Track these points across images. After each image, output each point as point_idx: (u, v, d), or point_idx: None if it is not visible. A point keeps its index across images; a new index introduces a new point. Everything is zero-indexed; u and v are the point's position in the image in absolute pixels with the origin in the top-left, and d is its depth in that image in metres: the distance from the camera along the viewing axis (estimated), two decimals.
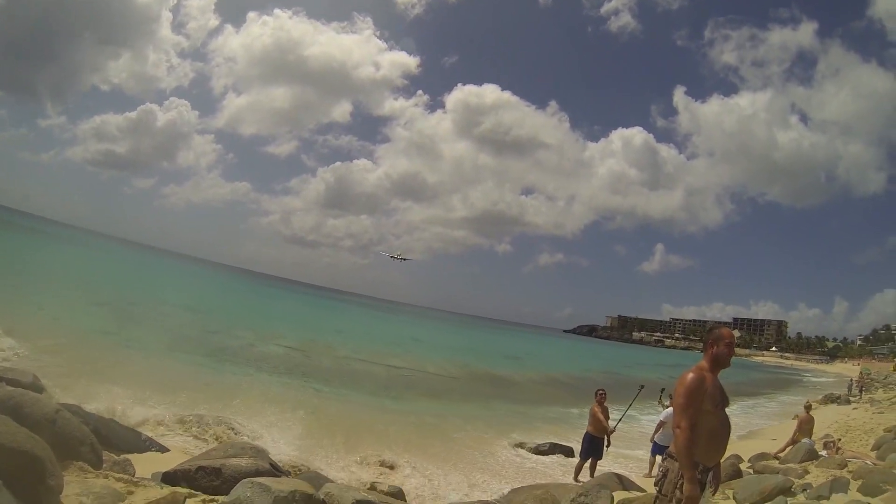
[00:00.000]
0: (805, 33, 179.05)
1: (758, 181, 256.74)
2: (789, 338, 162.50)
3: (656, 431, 10.51)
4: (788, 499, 6.90)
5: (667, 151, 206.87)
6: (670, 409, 10.10)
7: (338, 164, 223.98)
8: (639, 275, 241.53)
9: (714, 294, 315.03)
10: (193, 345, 19.38)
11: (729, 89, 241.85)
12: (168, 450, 7.91)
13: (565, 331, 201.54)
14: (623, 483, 8.79)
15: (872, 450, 11.41)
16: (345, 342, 31.73)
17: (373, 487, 7.76)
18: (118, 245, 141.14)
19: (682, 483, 3.58)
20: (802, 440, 11.44)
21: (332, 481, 6.80)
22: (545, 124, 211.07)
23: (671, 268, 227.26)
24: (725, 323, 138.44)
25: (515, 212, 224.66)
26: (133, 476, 5.53)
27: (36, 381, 7.34)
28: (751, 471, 9.63)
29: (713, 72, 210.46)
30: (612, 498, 6.61)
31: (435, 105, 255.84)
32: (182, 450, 8.09)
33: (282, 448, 9.47)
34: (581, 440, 10.29)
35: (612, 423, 10.09)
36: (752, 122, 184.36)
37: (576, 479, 9.90)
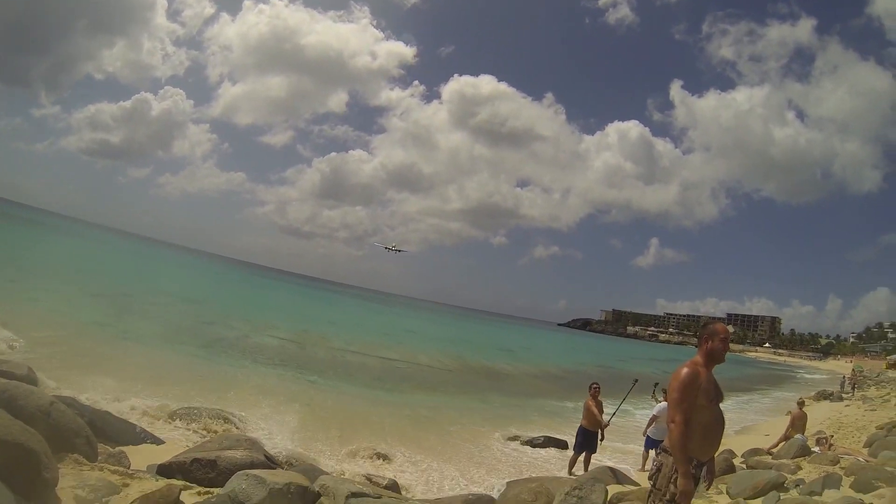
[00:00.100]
0: (803, 29, 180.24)
1: (753, 177, 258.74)
2: (783, 334, 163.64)
3: (649, 425, 10.57)
4: (781, 494, 6.95)
5: (663, 145, 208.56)
6: (663, 403, 10.14)
7: (333, 154, 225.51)
8: (633, 269, 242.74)
9: (708, 289, 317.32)
10: (188, 336, 19.34)
11: (726, 84, 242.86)
12: (163, 442, 7.89)
13: (560, 324, 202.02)
14: (617, 477, 8.84)
15: (864, 446, 11.51)
16: (339, 334, 31.75)
17: (368, 479, 7.79)
18: (113, 235, 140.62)
19: (677, 477, 3.61)
20: (795, 436, 11.53)
21: (327, 473, 6.81)
22: (541, 116, 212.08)
23: (666, 262, 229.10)
24: (719, 318, 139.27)
25: (511, 204, 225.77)
26: (128, 468, 5.52)
27: (31, 373, 7.31)
28: (744, 466, 9.69)
29: (710, 66, 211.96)
30: (607, 491, 6.63)
31: (431, 96, 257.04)
32: (177, 442, 8.07)
33: (277, 440, 9.46)
34: (575, 434, 10.34)
35: (606, 417, 10.12)
36: (748, 117, 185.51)
37: (570, 472, 9.94)
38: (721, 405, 3.85)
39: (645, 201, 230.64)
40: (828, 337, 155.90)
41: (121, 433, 7.33)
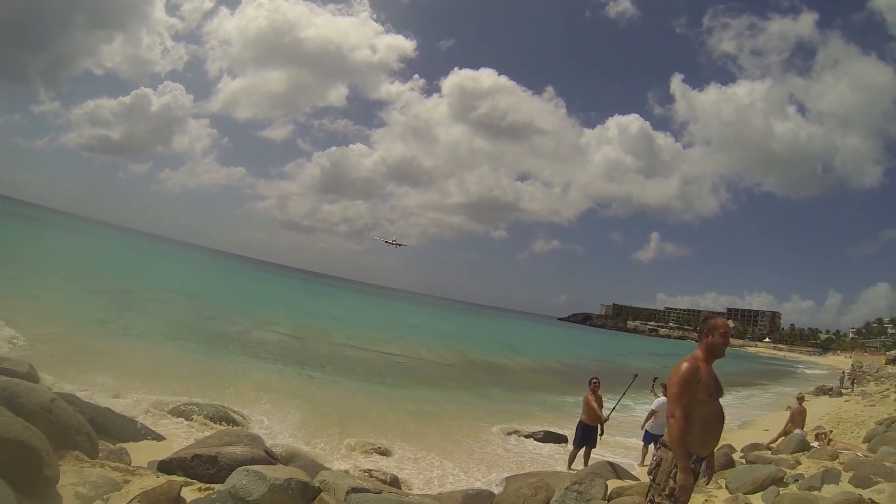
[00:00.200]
0: (805, 24, 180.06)
1: (754, 171, 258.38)
2: (783, 329, 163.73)
3: (647, 420, 10.59)
4: (780, 489, 6.97)
5: (663, 139, 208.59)
6: (662, 398, 10.15)
7: (333, 148, 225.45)
8: (633, 263, 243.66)
9: (708, 283, 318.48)
10: (189, 332, 19.36)
11: (727, 78, 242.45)
12: (164, 438, 7.91)
13: (560, 319, 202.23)
14: (617, 471, 8.86)
15: (863, 442, 11.53)
16: (340, 329, 31.78)
17: (368, 475, 7.81)
18: (113, 232, 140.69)
19: (676, 472, 3.61)
20: (795, 431, 11.53)
21: (327, 469, 6.84)
22: (541, 110, 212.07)
23: (666, 256, 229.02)
24: (720, 313, 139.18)
25: (511, 198, 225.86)
26: (129, 465, 5.53)
27: (32, 370, 7.31)
28: (743, 461, 9.71)
29: (711, 60, 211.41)
30: (606, 486, 6.65)
31: (431, 89, 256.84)
32: (178, 438, 8.09)
33: (277, 436, 9.51)
34: (575, 428, 10.35)
35: (605, 412, 10.13)
36: (749, 111, 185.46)
37: (569, 467, 9.96)
38: (721, 400, 3.85)
39: (645, 195, 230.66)
40: (827, 332, 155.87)
41: (122, 430, 7.35)
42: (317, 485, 5.15)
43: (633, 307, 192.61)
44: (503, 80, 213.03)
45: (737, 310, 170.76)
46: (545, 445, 12.32)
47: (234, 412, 10.12)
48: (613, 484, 7.26)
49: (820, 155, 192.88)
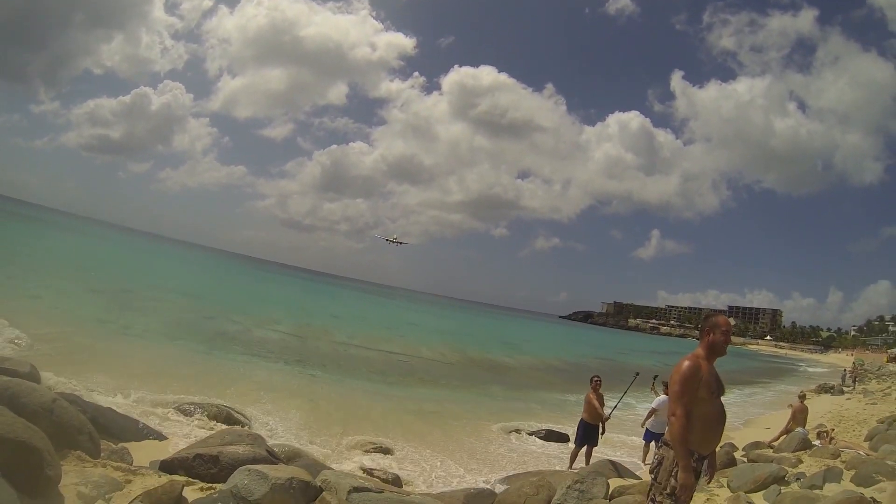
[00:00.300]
0: (805, 20, 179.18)
1: (754, 168, 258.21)
2: (784, 327, 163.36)
3: (647, 418, 10.60)
4: (782, 487, 6.96)
5: (663, 136, 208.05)
6: (663, 396, 10.18)
7: (334, 146, 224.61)
8: (634, 260, 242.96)
9: (709, 281, 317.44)
10: (190, 331, 19.38)
11: (727, 75, 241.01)
12: (166, 438, 7.92)
13: (561, 317, 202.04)
14: (618, 470, 8.87)
15: (865, 440, 11.52)
16: (341, 327, 31.80)
17: (370, 474, 7.81)
18: (114, 231, 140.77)
19: (678, 471, 3.60)
20: (796, 429, 11.52)
21: (329, 468, 6.84)
22: (541, 107, 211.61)
23: (667, 254, 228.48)
24: (721, 311, 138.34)
25: (511, 195, 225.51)
26: (131, 465, 5.54)
27: (33, 370, 7.30)
28: (745, 459, 9.70)
29: (711, 57, 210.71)
30: (608, 485, 6.65)
31: (431, 87, 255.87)
32: (180, 438, 8.10)
33: (279, 435, 9.52)
34: (576, 427, 10.35)
35: (607, 411, 10.13)
36: (749, 108, 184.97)
37: (571, 466, 9.96)
38: (722, 398, 3.84)
39: (646, 192, 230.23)
40: (829, 330, 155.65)
41: (123, 429, 7.36)
42: (318, 484, 5.15)
43: (635, 305, 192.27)
44: (503, 77, 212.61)
45: (738, 307, 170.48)
46: (547, 444, 12.33)
47: (236, 412, 10.13)
48: (615, 483, 7.25)
49: (820, 152, 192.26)
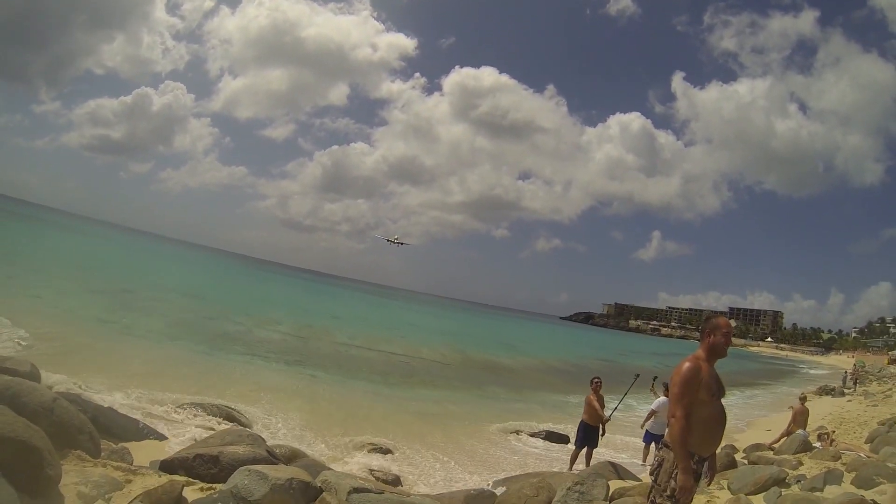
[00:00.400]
0: (806, 21, 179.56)
1: (755, 169, 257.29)
2: (785, 328, 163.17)
3: (647, 420, 10.58)
4: (783, 490, 6.94)
5: (664, 137, 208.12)
6: (662, 398, 10.17)
7: (335, 147, 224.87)
8: (635, 262, 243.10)
9: (710, 283, 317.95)
10: (191, 331, 19.40)
11: (728, 76, 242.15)
12: (166, 437, 7.92)
13: (562, 318, 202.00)
14: (618, 472, 8.86)
15: (866, 442, 11.49)
16: (342, 328, 31.83)
17: (370, 475, 7.81)
18: (115, 231, 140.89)
19: (677, 473, 3.60)
20: (797, 431, 11.50)
21: (329, 468, 6.84)
22: (543, 108, 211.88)
23: (668, 255, 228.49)
24: (722, 312, 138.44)
25: (512, 196, 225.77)
26: (131, 464, 5.53)
27: (34, 369, 7.30)
28: (745, 461, 9.68)
29: (712, 58, 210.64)
30: (608, 486, 6.64)
31: (432, 88, 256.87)
32: (180, 438, 8.10)
33: (279, 435, 9.53)
34: (576, 428, 10.33)
35: (607, 412, 10.12)
36: (750, 109, 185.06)
37: (571, 467, 9.94)
38: (723, 400, 3.82)
39: (647, 194, 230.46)
40: (830, 332, 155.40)
41: (124, 429, 7.36)
42: (318, 485, 5.15)
43: (635, 306, 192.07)
44: (504, 78, 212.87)
45: (739, 309, 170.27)
46: (547, 445, 12.33)
47: (236, 412, 10.14)
48: (615, 484, 7.24)
49: (821, 153, 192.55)
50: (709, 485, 6.42)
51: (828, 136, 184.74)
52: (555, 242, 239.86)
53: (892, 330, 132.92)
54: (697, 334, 4.14)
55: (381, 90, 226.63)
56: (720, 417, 3.77)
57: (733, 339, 4.02)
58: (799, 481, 7.41)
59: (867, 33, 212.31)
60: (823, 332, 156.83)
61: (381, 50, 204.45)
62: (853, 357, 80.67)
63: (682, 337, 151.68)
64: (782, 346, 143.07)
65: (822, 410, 18.43)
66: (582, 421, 10.08)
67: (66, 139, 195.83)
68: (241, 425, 9.53)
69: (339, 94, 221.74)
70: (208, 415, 9.56)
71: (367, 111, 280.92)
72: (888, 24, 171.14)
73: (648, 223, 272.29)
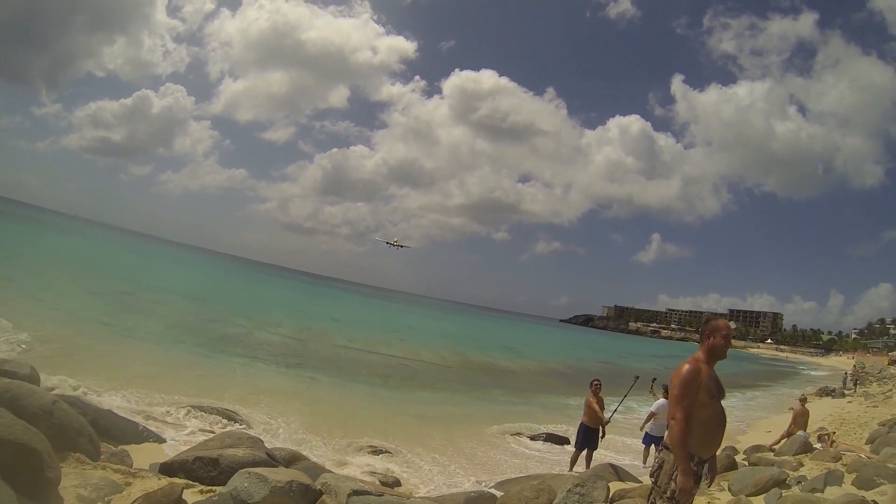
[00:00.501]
0: (805, 24, 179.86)
1: (755, 172, 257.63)
2: (785, 330, 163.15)
3: (646, 422, 10.58)
4: (783, 491, 6.94)
5: (664, 140, 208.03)
6: (662, 400, 10.16)
7: (335, 150, 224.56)
8: (635, 264, 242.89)
9: (710, 285, 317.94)
10: (191, 334, 19.39)
11: (727, 78, 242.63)
12: (165, 440, 7.92)
13: (562, 320, 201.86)
14: (619, 474, 8.84)
15: (867, 443, 11.50)
16: (341, 330, 31.83)
17: (370, 477, 7.80)
18: (115, 234, 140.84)
19: (677, 474, 3.60)
20: (797, 433, 11.48)
21: (328, 471, 6.82)
22: (542, 111, 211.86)
23: (667, 257, 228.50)
24: (721, 314, 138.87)
25: (512, 199, 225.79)
26: (131, 467, 5.53)
27: (33, 372, 7.30)
28: (746, 463, 9.68)
29: (712, 60, 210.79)
30: (608, 488, 6.63)
31: (432, 91, 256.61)
32: (179, 440, 8.10)
33: (279, 438, 9.51)
34: (576, 430, 10.33)
35: (607, 414, 10.11)
36: (750, 111, 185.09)
37: (571, 469, 9.94)
38: (723, 402, 3.82)
39: (646, 196, 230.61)
40: (830, 333, 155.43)
41: (123, 432, 7.35)
42: (318, 487, 5.15)
43: (635, 309, 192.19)
44: (504, 81, 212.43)
45: (739, 311, 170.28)
46: (547, 447, 12.31)
47: (236, 414, 10.13)
48: (615, 486, 7.24)
49: (821, 155, 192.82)
50: (709, 486, 6.41)
51: (827, 139, 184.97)
52: (555, 245, 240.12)
53: (892, 331, 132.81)
54: (697, 336, 4.14)
55: (381, 93, 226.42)
56: (720, 419, 3.77)
57: (733, 340, 4.02)
58: (799, 482, 7.41)
59: (866, 35, 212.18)
60: (823, 333, 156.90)
61: (382, 53, 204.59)
62: (853, 358, 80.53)
63: (682, 339, 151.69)
64: (782, 347, 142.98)
65: (822, 412, 18.41)
66: (582, 423, 10.08)
67: (66, 141, 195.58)
68: (241, 427, 9.52)
69: (339, 96, 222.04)
70: (208, 417, 9.56)
71: (368, 114, 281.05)
72: (887, 27, 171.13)
73: (648, 225, 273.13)
